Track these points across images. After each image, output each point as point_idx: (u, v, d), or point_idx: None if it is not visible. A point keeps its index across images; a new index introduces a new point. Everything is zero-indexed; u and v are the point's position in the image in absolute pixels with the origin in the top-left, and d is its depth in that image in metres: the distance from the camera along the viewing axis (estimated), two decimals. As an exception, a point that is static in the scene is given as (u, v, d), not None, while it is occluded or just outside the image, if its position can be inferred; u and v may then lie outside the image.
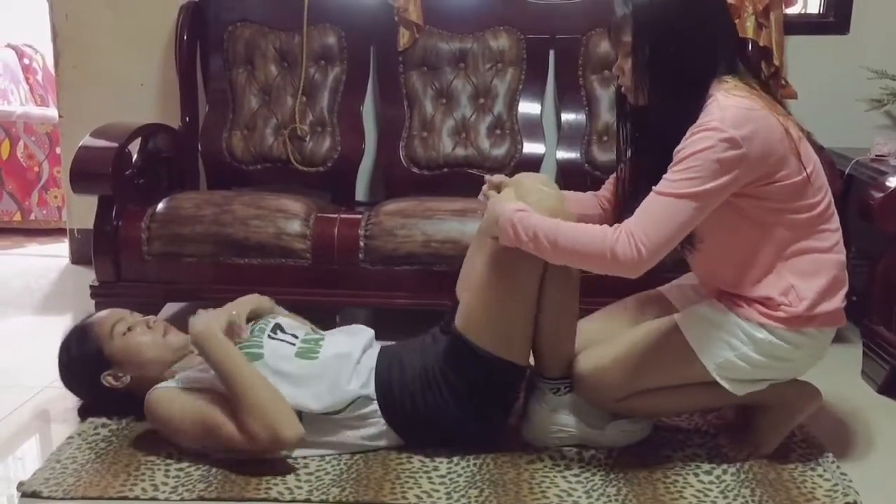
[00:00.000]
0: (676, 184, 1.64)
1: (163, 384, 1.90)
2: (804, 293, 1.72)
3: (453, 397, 1.84)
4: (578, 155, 2.98)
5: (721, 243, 1.77)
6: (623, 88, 1.79)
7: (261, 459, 1.82)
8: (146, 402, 1.87)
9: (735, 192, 1.68)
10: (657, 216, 1.64)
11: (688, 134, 1.65)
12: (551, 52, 3.05)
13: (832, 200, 1.78)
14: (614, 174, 1.97)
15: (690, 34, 1.69)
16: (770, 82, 3.02)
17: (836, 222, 1.78)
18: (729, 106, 1.65)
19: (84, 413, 2.07)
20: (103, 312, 2.04)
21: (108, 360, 1.94)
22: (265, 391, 1.79)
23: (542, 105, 3.04)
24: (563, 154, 2.97)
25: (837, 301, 1.77)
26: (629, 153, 1.87)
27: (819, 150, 2.57)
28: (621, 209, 1.84)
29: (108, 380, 1.95)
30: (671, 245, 1.65)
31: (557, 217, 1.74)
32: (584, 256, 1.68)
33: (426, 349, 1.92)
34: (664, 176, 1.66)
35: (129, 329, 1.95)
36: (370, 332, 2.03)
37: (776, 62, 2.97)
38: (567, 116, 3.03)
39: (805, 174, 1.69)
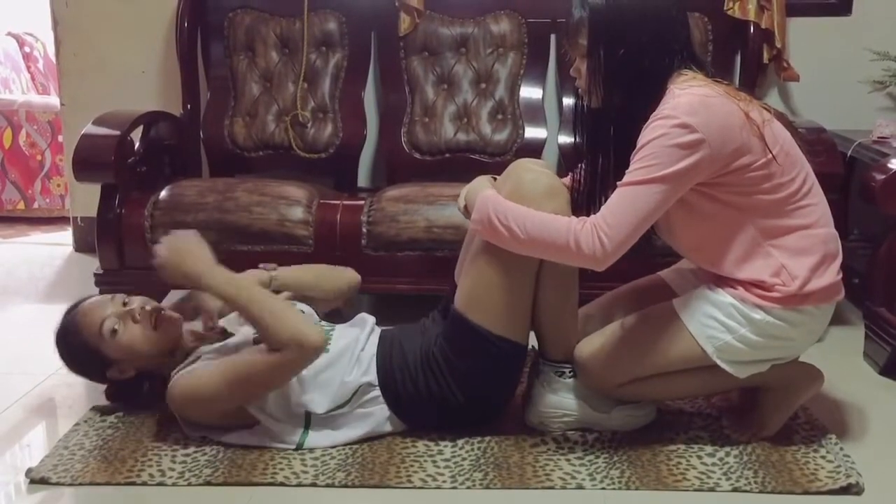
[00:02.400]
0: (634, 173, 1.65)
1: (175, 373, 1.89)
2: (796, 271, 1.73)
3: (454, 378, 1.84)
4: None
5: (699, 229, 1.78)
6: (580, 90, 1.81)
7: (266, 446, 1.84)
8: (169, 397, 1.85)
9: (704, 182, 1.68)
10: (618, 207, 1.65)
11: (644, 126, 1.67)
12: (552, 36, 3.04)
13: (809, 176, 1.77)
14: (571, 174, 1.98)
15: (646, 34, 1.70)
16: (771, 64, 3.03)
17: (816, 196, 1.77)
18: (683, 94, 1.67)
19: (112, 395, 2.05)
20: (86, 307, 1.94)
21: (106, 359, 1.91)
22: (279, 304, 1.81)
23: (543, 89, 3.04)
24: (564, 138, 2.97)
25: (831, 275, 1.77)
26: (587, 154, 1.89)
27: (820, 131, 2.59)
28: (578, 206, 1.85)
29: (114, 374, 1.95)
30: (635, 235, 1.66)
31: (556, 197, 1.76)
32: (550, 247, 1.70)
33: (426, 332, 1.93)
34: (626, 170, 1.67)
35: (115, 329, 1.88)
36: (371, 319, 2.04)
37: (778, 44, 2.97)
38: (569, 101, 3.02)
39: (770, 156, 1.69)
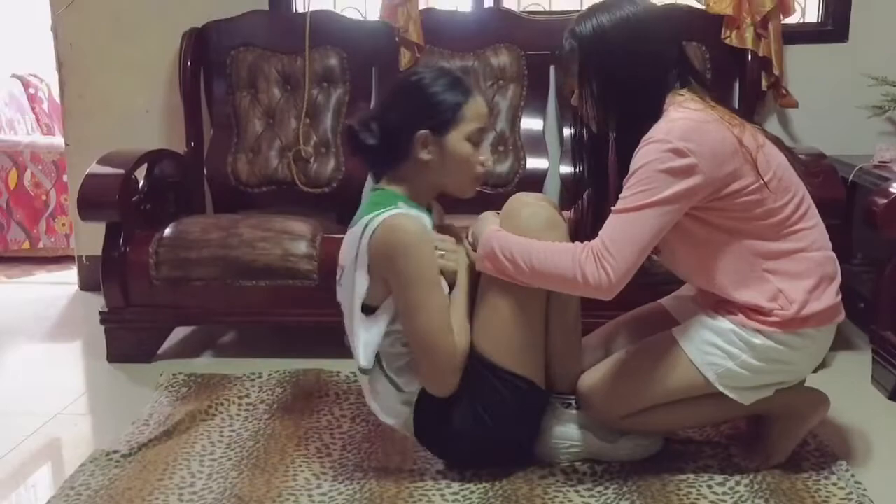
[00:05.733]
0: (629, 199, 1.66)
1: (416, 214, 1.78)
2: (793, 295, 1.73)
3: (468, 411, 1.81)
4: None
5: (695, 253, 1.78)
6: (583, 116, 1.83)
7: (272, 479, 1.82)
8: (400, 220, 1.72)
9: (697, 206, 1.69)
10: (618, 234, 1.66)
11: (637, 149, 1.68)
12: (552, 68, 3.06)
13: (805, 199, 1.78)
14: (574, 207, 1.98)
15: (637, 57, 1.72)
16: (770, 91, 3.05)
17: (811, 219, 1.78)
18: (678, 118, 1.68)
19: (351, 140, 1.85)
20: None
21: (451, 122, 1.78)
22: (465, 323, 1.80)
23: (544, 120, 3.06)
24: (566, 168, 2.98)
25: (830, 297, 1.77)
26: (590, 179, 1.90)
27: (821, 157, 2.60)
28: (582, 235, 1.85)
29: (421, 138, 1.78)
30: (638, 261, 1.67)
31: (553, 229, 1.77)
32: (556, 280, 1.70)
33: None
34: (620, 195, 1.68)
35: (484, 130, 1.83)
36: None
37: (776, 72, 2.99)
38: (570, 131, 3.04)
39: (762, 182, 1.69)
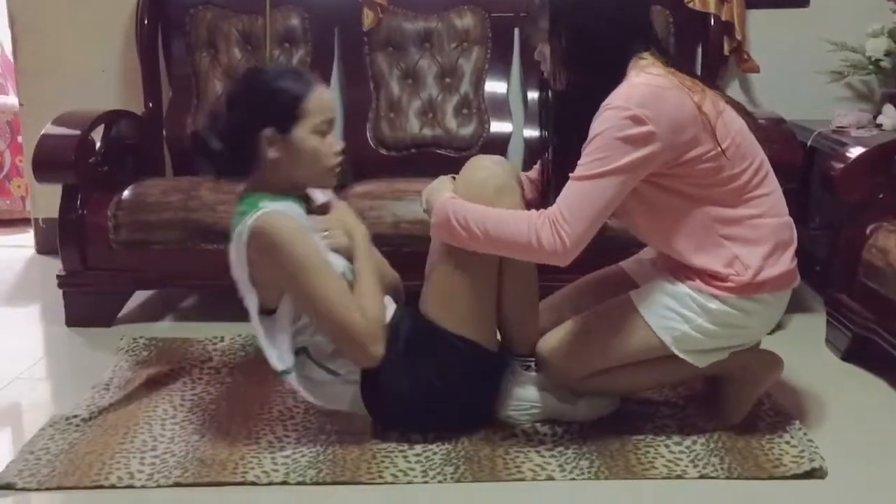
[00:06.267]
0: (587, 166, 1.67)
1: (285, 211, 1.76)
2: (748, 261, 1.75)
3: (420, 378, 1.82)
4: (545, 133, 2.98)
5: (654, 218, 1.80)
6: (545, 73, 1.83)
7: (235, 442, 1.83)
8: (269, 219, 1.71)
9: (655, 172, 1.70)
10: (575, 200, 1.67)
11: (596, 114, 1.68)
12: (516, 31, 3.05)
13: (763, 165, 1.80)
14: (539, 162, 1.99)
15: (606, 17, 1.73)
16: (732, 56, 3.07)
17: (768, 186, 1.80)
18: (638, 84, 1.68)
19: (198, 147, 1.82)
20: (323, 89, 1.83)
21: (295, 118, 1.76)
22: (379, 295, 1.82)
23: (508, 83, 3.05)
24: (530, 132, 2.98)
25: (785, 263, 1.80)
26: (553, 139, 1.90)
27: (780, 122, 2.63)
28: (547, 194, 1.86)
29: (265, 135, 1.76)
30: (594, 228, 1.68)
31: (507, 194, 1.77)
32: (511, 246, 1.71)
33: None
34: (578, 161, 1.69)
35: (328, 131, 1.82)
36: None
37: (738, 36, 3.00)
38: (534, 94, 3.03)
39: (719, 150, 1.71)
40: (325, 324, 1.76)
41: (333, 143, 1.84)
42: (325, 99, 1.82)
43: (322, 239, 1.81)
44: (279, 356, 1.78)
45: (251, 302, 1.77)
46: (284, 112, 1.77)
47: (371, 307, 1.78)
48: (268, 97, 1.78)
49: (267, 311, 1.79)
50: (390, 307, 1.91)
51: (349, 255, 1.84)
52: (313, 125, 1.78)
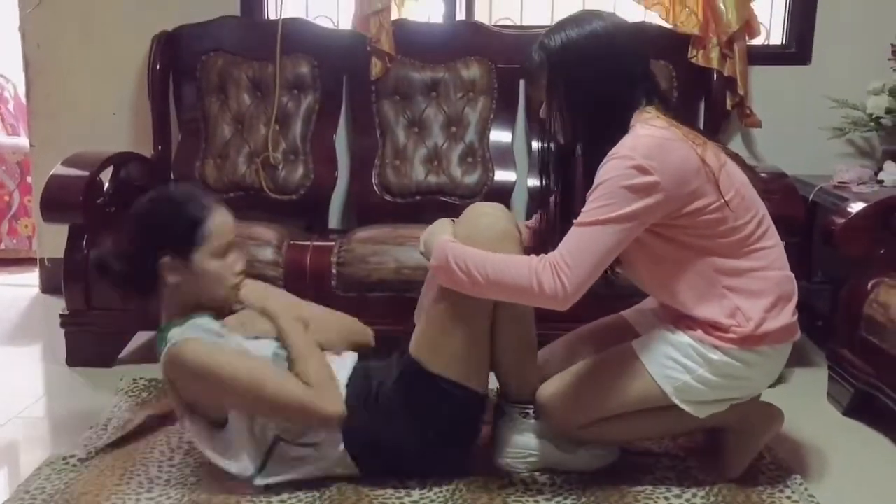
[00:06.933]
0: (591, 212, 1.68)
1: (192, 335, 1.78)
2: (750, 313, 1.76)
3: (409, 425, 1.82)
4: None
5: (657, 268, 1.81)
6: (549, 130, 1.85)
7: (231, 491, 1.82)
8: (177, 356, 1.75)
9: (658, 223, 1.72)
10: (577, 246, 1.68)
11: (602, 163, 1.70)
12: (521, 81, 3.09)
13: (765, 218, 1.81)
14: (539, 212, 2.01)
15: (604, 72, 1.75)
16: (734, 110, 3.10)
17: (771, 239, 1.81)
18: (644, 135, 1.70)
19: (98, 267, 1.88)
20: (224, 212, 1.85)
21: (193, 243, 1.79)
22: (316, 361, 1.82)
23: (513, 133, 3.08)
24: (534, 181, 3.01)
25: (786, 317, 1.80)
26: (556, 191, 1.93)
27: (782, 176, 2.65)
28: (546, 242, 1.87)
29: (165, 262, 1.80)
30: (595, 274, 1.69)
31: (509, 241, 1.78)
32: (512, 290, 1.71)
33: (387, 375, 1.90)
34: (583, 208, 1.70)
35: (231, 254, 1.84)
36: (354, 355, 2.00)
37: (741, 91, 3.04)
38: (537, 144, 3.06)
39: (723, 201, 1.72)
40: (276, 410, 1.78)
41: (234, 263, 1.87)
42: (223, 221, 1.84)
43: (241, 336, 1.84)
44: (240, 467, 1.81)
45: (192, 424, 1.82)
46: (183, 238, 1.80)
47: (312, 371, 1.79)
48: (166, 224, 1.82)
49: (218, 425, 1.81)
50: (348, 363, 1.93)
51: (276, 335, 1.86)
52: (212, 249, 1.81)
